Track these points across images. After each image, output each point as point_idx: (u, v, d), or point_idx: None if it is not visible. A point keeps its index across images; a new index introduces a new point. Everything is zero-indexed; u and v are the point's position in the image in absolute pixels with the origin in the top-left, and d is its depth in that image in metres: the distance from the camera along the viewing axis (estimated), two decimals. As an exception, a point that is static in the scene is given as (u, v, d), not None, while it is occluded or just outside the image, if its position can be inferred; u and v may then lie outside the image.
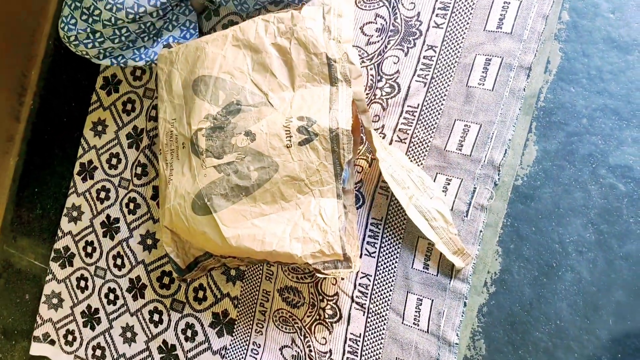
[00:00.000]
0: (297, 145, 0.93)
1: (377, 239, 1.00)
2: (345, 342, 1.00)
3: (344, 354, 1.00)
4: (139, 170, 1.26)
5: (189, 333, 1.16)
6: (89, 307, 1.29)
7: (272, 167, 0.95)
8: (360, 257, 1.00)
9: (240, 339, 1.10)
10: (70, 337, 1.31)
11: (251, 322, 1.09)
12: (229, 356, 1.11)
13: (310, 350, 1.02)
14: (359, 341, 0.99)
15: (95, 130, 1.33)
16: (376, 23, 1.03)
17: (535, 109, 0.90)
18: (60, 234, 1.35)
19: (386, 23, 1.02)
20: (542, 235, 0.87)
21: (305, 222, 0.95)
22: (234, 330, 1.11)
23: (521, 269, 0.88)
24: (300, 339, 1.04)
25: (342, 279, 1.01)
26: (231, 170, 0.96)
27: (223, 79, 1.00)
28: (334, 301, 1.01)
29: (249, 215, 0.97)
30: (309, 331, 1.03)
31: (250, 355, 1.08)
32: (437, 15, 0.98)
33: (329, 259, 0.93)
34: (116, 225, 1.27)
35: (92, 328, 1.28)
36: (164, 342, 1.18)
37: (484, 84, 0.93)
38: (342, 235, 0.93)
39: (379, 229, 1.00)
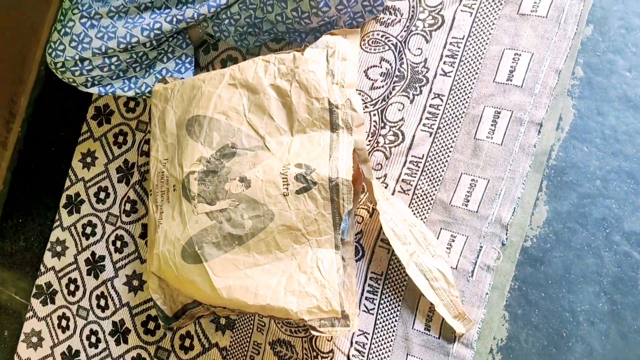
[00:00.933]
0: (295, 193, 0.88)
1: (377, 295, 0.94)
2: (339, 403, 0.93)
3: (337, 416, 0.93)
4: (128, 206, 1.19)
5: (173, 384, 1.09)
6: (69, 348, 1.22)
7: (268, 215, 0.89)
8: (358, 314, 0.94)
9: (228, 393, 1.03)
10: (48, 380, 1.24)
11: (240, 376, 1.03)
12: (215, 411, 1.04)
13: (302, 410, 0.96)
14: (354, 403, 0.92)
15: (84, 161, 1.27)
16: (381, 67, 0.98)
17: (546, 167, 0.85)
18: (43, 269, 1.28)
19: (392, 68, 0.97)
20: (552, 301, 0.82)
21: (301, 274, 0.89)
22: (222, 383, 1.04)
23: (529, 337, 0.83)
24: (292, 397, 0.97)
25: (352, 342, 0.94)
26: (224, 218, 0.90)
27: (218, 120, 0.95)
28: (329, 358, 0.95)
29: (242, 265, 0.91)
30: (300, 389, 0.97)
31: (238, 412, 1.02)
32: (444, 62, 0.93)
33: (326, 316, 0.87)
34: (101, 263, 1.20)
35: (72, 371, 1.21)
36: (147, 391, 1.11)
37: (492, 138, 0.88)
38: (340, 291, 0.87)
39: (379, 285, 0.94)
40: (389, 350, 0.91)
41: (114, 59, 1.06)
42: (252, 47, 1.10)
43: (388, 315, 0.92)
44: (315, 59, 0.91)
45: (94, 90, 1.11)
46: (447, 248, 0.89)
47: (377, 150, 0.97)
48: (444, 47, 0.94)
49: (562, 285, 0.82)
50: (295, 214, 0.88)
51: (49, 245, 1.28)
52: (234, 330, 1.05)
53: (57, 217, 1.28)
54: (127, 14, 1.04)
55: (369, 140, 0.97)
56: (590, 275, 0.80)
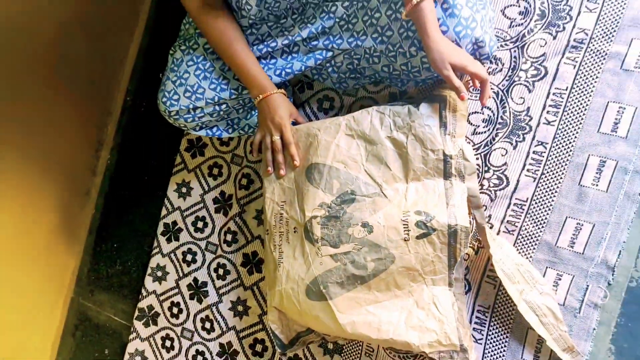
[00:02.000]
0: (415, 238, 0.95)
1: (484, 327, 1.01)
2: None
3: None
4: (228, 237, 1.26)
5: (284, 403, 1.17)
6: (175, 367, 1.30)
7: (389, 258, 0.96)
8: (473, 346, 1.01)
9: (339, 413, 1.12)
10: (155, 396, 1.32)
11: (350, 397, 1.11)
12: None
13: None
14: None
15: (180, 191, 1.33)
16: (483, 114, 1.04)
17: (650, 214, 0.92)
18: (144, 292, 1.35)
19: (494, 115, 1.03)
20: (657, 337, 0.90)
21: (419, 310, 0.96)
22: (332, 403, 1.13)
23: (635, 369, 0.91)
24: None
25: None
26: (348, 260, 0.97)
27: (337, 168, 1.01)
28: (439, 383, 1.03)
29: (363, 302, 0.98)
30: (412, 411, 1.05)
31: None
32: (548, 112, 0.99)
33: (444, 349, 0.95)
34: (204, 289, 1.28)
35: (179, 388, 1.29)
36: (258, 409, 1.20)
37: (597, 185, 0.95)
38: (458, 326, 0.94)
39: (486, 317, 1.01)
40: (499, 378, 0.99)
41: (223, 106, 1.12)
42: (350, 89, 1.15)
43: (496, 345, 1.00)
44: (430, 113, 0.97)
45: (202, 133, 1.17)
46: (554, 286, 0.96)
47: (482, 192, 1.03)
48: (547, 97, 1.00)
49: (667, 323, 0.89)
50: (415, 257, 0.95)
51: (149, 271, 1.35)
52: (342, 355, 1.12)
53: (155, 244, 1.35)
54: None
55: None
56: (695, 315, 0.88)
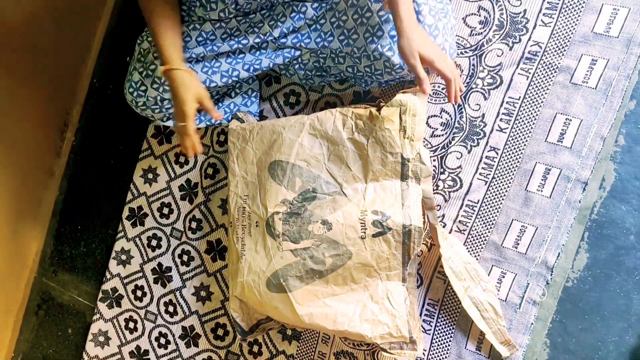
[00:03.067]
0: (371, 237, 0.99)
1: (433, 318, 1.07)
2: (398, 407, 1.08)
3: (396, 417, 1.08)
4: (193, 224, 1.28)
5: (243, 384, 1.22)
6: (138, 348, 1.33)
7: (346, 255, 1.00)
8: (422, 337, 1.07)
9: (295, 395, 1.17)
10: (117, 375, 1.35)
11: (306, 380, 1.16)
12: (284, 410, 1.18)
13: (364, 412, 1.10)
14: (411, 408, 1.07)
15: (146, 177, 1.34)
16: (441, 117, 1.08)
17: (588, 220, 0.98)
18: (108, 275, 1.36)
19: (451, 119, 1.07)
20: (587, 332, 0.97)
21: (374, 304, 1.02)
22: (289, 385, 1.18)
23: (566, 360, 0.98)
24: (354, 400, 1.12)
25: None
26: (307, 255, 1.01)
27: (300, 166, 1.04)
28: (389, 369, 1.09)
29: (321, 295, 1.03)
30: (363, 394, 1.11)
31: (305, 411, 1.16)
32: (501, 119, 1.04)
33: (395, 340, 1.01)
34: (168, 274, 1.30)
35: (141, 368, 1.33)
36: (217, 389, 1.24)
37: (542, 191, 1.01)
38: (409, 320, 1.00)
39: (435, 310, 1.07)
40: (444, 365, 1.06)
41: None
42: (316, 86, 1.17)
43: (443, 335, 1.06)
44: (391, 117, 1.00)
45: (170, 123, 1.17)
46: (498, 283, 1.03)
47: (437, 192, 1.08)
48: (501, 105, 1.04)
49: (597, 320, 0.97)
50: (371, 254, 0.99)
51: (113, 254, 1.36)
52: (300, 341, 1.17)
53: (120, 227, 1.36)
54: (204, 59, 1.09)
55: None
56: (621, 313, 0.95)
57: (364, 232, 0.99)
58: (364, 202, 1.00)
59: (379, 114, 1.00)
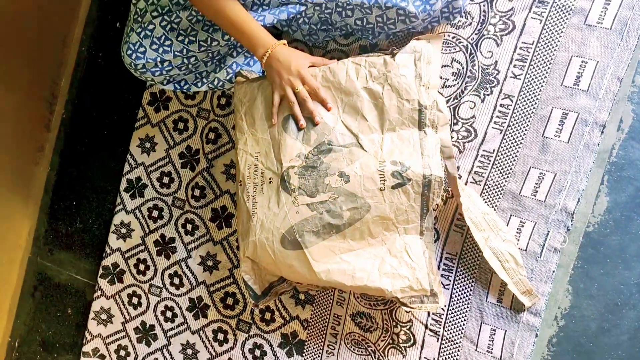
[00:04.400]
0: (390, 188, 0.95)
1: (452, 273, 1.04)
2: (419, 365, 1.05)
3: (417, 375, 1.05)
4: (196, 192, 1.22)
5: (257, 352, 1.17)
6: (143, 323, 1.27)
7: (364, 207, 0.96)
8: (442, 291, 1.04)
9: (311, 359, 1.13)
10: (122, 352, 1.29)
11: (322, 344, 1.12)
12: (301, 375, 1.13)
13: (385, 372, 1.07)
14: (433, 364, 1.04)
15: (143, 147, 1.27)
16: (452, 67, 1.04)
17: (607, 163, 0.96)
18: (108, 250, 1.29)
19: (463, 68, 1.03)
20: (609, 276, 0.95)
21: (392, 258, 0.98)
22: (304, 350, 1.13)
23: (589, 306, 0.96)
24: (374, 361, 1.08)
25: (429, 313, 1.04)
26: (324, 209, 0.96)
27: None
28: (408, 327, 1.06)
29: (338, 250, 0.98)
30: (382, 354, 1.07)
31: (322, 375, 1.12)
32: (514, 66, 1.00)
33: (416, 294, 0.97)
34: (172, 245, 1.24)
35: (148, 344, 1.26)
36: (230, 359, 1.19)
37: (559, 136, 0.98)
38: (429, 272, 0.96)
39: (454, 264, 1.04)
40: (465, 320, 1.03)
41: (192, 59, 1.06)
42: (321, 42, 1.12)
43: (463, 290, 1.03)
44: (406, 63, 0.96)
45: (170, 87, 1.11)
46: (517, 232, 1.00)
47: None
48: (514, 51, 1.01)
49: (618, 263, 0.95)
50: (389, 206, 0.95)
51: (112, 228, 1.29)
52: (313, 305, 1.13)
53: (118, 200, 1.29)
54: (204, 17, 1.03)
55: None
56: (643, 255, 0.93)
57: (383, 184, 0.95)
58: (381, 153, 0.96)
59: (394, 60, 0.96)
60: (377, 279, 0.97)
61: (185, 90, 1.13)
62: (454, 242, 1.04)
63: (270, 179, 1.01)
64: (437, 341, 1.04)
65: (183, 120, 1.24)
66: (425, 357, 1.05)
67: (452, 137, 1.04)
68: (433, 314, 1.05)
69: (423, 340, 1.05)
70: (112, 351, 1.29)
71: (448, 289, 1.04)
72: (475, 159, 1.03)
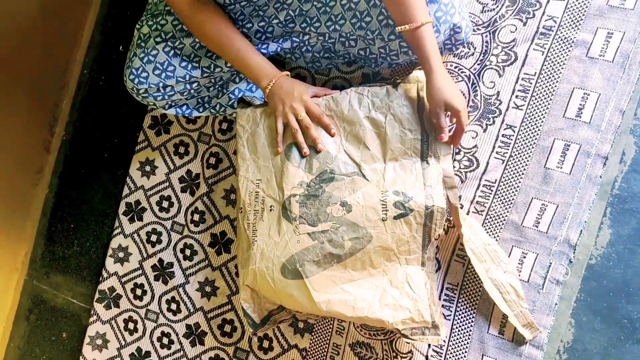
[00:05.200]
0: (392, 218, 0.93)
1: (453, 303, 1.02)
2: (419, 397, 1.02)
3: (418, 408, 1.02)
4: (196, 217, 1.20)
5: (254, 381, 1.14)
6: (139, 349, 1.23)
7: (366, 237, 0.94)
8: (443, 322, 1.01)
9: (310, 390, 1.10)
10: (117, 379, 1.25)
11: (321, 374, 1.09)
12: (299, 406, 1.10)
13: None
14: (434, 397, 1.01)
15: (143, 170, 1.25)
16: (454, 97, 1.03)
17: (610, 196, 0.94)
18: (105, 274, 1.27)
19: (465, 98, 1.02)
20: (613, 310, 0.93)
21: (393, 289, 0.95)
22: (303, 380, 1.10)
23: (592, 340, 0.94)
24: (373, 392, 1.05)
25: (429, 344, 1.02)
26: (325, 239, 0.94)
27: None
28: (408, 358, 1.03)
29: (339, 280, 0.96)
30: (382, 385, 1.04)
31: (321, 406, 1.09)
32: (516, 96, 1.00)
33: (417, 326, 0.94)
34: (170, 270, 1.21)
35: (143, 371, 1.23)
36: (226, 388, 1.16)
37: (561, 168, 0.96)
38: (431, 304, 0.94)
39: (455, 294, 1.02)
40: (465, 351, 1.00)
41: (194, 85, 1.05)
42: (323, 69, 1.11)
43: (464, 320, 1.01)
44: (408, 93, 0.95)
45: (171, 111, 1.09)
46: (519, 264, 0.98)
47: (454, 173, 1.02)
48: (516, 82, 1.00)
49: (622, 297, 0.93)
50: (391, 237, 0.93)
51: (110, 252, 1.26)
52: (312, 334, 1.10)
53: (116, 224, 1.27)
54: None
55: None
56: (647, 289, 0.92)
57: (385, 214, 0.93)
58: (383, 183, 0.94)
59: (396, 90, 0.95)
60: (378, 310, 0.94)
61: (186, 115, 1.12)
62: (455, 273, 1.02)
63: (271, 206, 1.00)
64: (438, 373, 1.02)
65: (184, 145, 1.22)
66: (425, 389, 1.02)
67: (454, 167, 1.03)
68: (434, 345, 1.02)
69: (424, 371, 1.02)
70: (107, 377, 1.26)
71: (449, 320, 1.02)
72: (477, 188, 1.01)
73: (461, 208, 1.02)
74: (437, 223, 0.93)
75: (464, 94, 1.02)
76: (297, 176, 0.97)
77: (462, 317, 1.01)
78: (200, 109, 1.13)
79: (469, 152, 1.02)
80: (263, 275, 0.98)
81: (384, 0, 0.88)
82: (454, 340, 1.01)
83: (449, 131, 0.95)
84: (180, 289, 1.20)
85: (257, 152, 1.02)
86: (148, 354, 1.22)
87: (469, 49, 1.03)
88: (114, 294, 1.26)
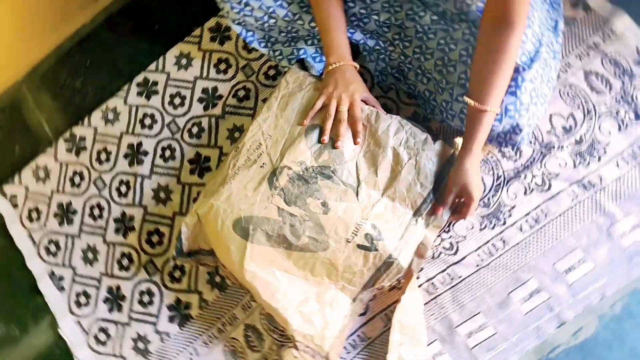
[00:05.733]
0: (356, 245, 0.92)
1: (355, 350, 1.01)
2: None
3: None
4: (194, 129, 1.18)
5: (145, 298, 1.12)
6: (69, 203, 1.21)
7: (323, 245, 0.92)
8: None
9: (186, 338, 1.08)
10: (34, 215, 1.23)
11: (205, 332, 1.07)
12: (167, 345, 1.08)
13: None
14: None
15: (179, 62, 1.23)
16: (476, 184, 1.02)
17: (544, 357, 0.94)
18: (86, 122, 1.24)
19: (483, 192, 1.01)
20: None
21: (316, 303, 0.94)
22: (185, 326, 1.09)
23: None
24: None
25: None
26: (289, 222, 0.93)
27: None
28: (284, 369, 1.02)
29: (276, 264, 0.94)
30: (248, 376, 1.03)
31: (185, 357, 1.07)
32: (526, 221, 0.99)
33: (313, 347, 0.93)
34: (142, 157, 1.19)
35: (60, 224, 1.21)
36: (118, 287, 1.14)
37: (521, 305, 0.96)
38: (337, 337, 0.93)
39: (362, 344, 1.01)
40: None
41: (272, 21, 1.03)
42: (385, 85, 1.10)
43: (353, 371, 1.00)
44: (442, 154, 0.94)
45: (237, 28, 1.08)
46: (432, 357, 0.97)
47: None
48: (535, 209, 0.99)
49: None
50: (344, 259, 0.92)
51: (103, 107, 1.24)
52: (222, 293, 1.09)
53: (125, 88, 1.24)
54: None
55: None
56: None
57: (353, 237, 0.91)
58: (369, 211, 0.93)
59: (434, 143, 0.94)
60: (291, 311, 0.93)
61: (247, 41, 1.10)
62: (373, 327, 1.01)
63: (263, 164, 0.98)
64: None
65: (227, 64, 1.20)
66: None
67: (435, 240, 1.01)
68: (314, 374, 1.01)
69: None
70: (26, 208, 1.24)
71: (341, 362, 1.01)
72: (441, 272, 1.00)
73: (417, 278, 1.01)
74: (389, 276, 0.92)
75: (485, 187, 1.02)
76: (303, 155, 0.95)
77: (353, 367, 1.00)
78: (262, 45, 1.11)
79: (456, 239, 1.01)
80: (217, 215, 0.97)
81: (472, 67, 0.87)
82: (334, 381, 1.00)
83: (452, 209, 0.95)
84: (139, 179, 1.18)
85: (284, 112, 1.00)
86: (75, 212, 1.20)
87: (516, 154, 1.02)
88: (82, 144, 1.24)
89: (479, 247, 1.00)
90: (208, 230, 0.99)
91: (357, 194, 0.94)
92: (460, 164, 0.88)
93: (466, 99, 0.85)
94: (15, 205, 1.24)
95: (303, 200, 0.93)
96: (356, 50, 1.10)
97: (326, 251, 0.92)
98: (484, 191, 1.01)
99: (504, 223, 1.00)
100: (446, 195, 0.91)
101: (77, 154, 1.23)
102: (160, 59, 1.24)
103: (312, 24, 1.03)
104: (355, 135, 0.95)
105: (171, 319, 1.09)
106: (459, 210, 0.94)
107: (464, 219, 0.93)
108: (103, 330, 1.13)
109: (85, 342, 1.13)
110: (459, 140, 0.95)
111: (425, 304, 1.00)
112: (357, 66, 0.99)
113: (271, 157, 0.98)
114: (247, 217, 0.94)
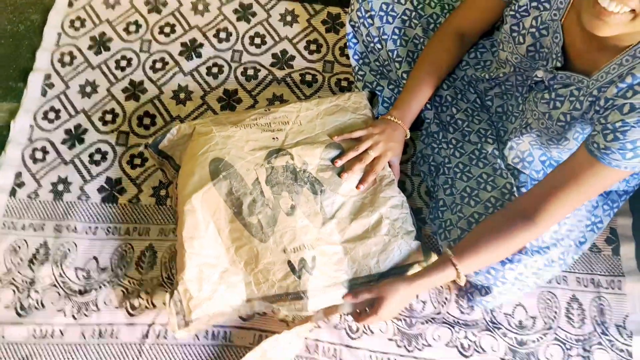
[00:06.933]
0: (287, 260, 0.89)
1: (211, 341, 0.96)
2: None
3: None
4: (250, 71, 1.18)
5: (96, 157, 1.10)
6: (109, 39, 1.21)
7: (264, 237, 0.89)
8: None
9: (97, 213, 1.05)
10: (77, 24, 1.22)
11: (115, 222, 1.04)
12: (79, 205, 1.05)
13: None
14: None
15: (284, 18, 1.24)
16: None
17: None
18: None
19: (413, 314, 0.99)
20: None
21: (218, 275, 0.90)
22: (105, 204, 1.06)
23: None
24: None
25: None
26: (253, 197, 0.91)
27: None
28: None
29: (215, 217, 0.91)
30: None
31: (83, 228, 1.04)
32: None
33: (185, 305, 0.87)
34: (195, 55, 1.19)
35: (89, 48, 1.20)
36: (85, 130, 1.12)
37: None
38: (210, 316, 0.88)
39: (221, 341, 0.96)
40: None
41: (378, 46, 1.07)
42: (417, 168, 1.08)
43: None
44: (412, 255, 0.93)
45: (349, 29, 1.10)
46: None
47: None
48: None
49: None
50: (268, 262, 0.89)
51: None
52: (155, 206, 1.06)
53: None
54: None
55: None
56: None
57: (291, 252, 0.89)
58: (321, 245, 0.90)
59: (413, 241, 0.92)
60: (194, 263, 0.88)
61: (348, 45, 1.11)
62: (241, 336, 0.96)
63: (276, 137, 0.97)
64: None
65: (318, 50, 1.20)
66: None
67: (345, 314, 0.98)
68: None
69: None
70: (75, 15, 1.23)
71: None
72: (331, 344, 0.96)
73: (309, 331, 0.96)
74: (291, 307, 0.88)
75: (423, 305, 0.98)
76: (312, 158, 0.94)
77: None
78: (355, 57, 1.12)
79: (367, 329, 0.97)
80: (208, 141, 0.95)
81: (476, 227, 0.88)
82: None
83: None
84: (176, 69, 1.18)
85: (326, 117, 1.00)
86: (109, 49, 1.19)
87: (467, 308, 0.99)
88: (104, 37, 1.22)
89: (378, 352, 0.96)
90: (190, 148, 0.98)
91: (323, 224, 0.92)
92: (400, 281, 0.84)
93: (442, 244, 0.89)
94: (70, 4, 1.24)
95: (279, 190, 0.91)
96: (418, 124, 1.10)
97: (261, 244, 0.90)
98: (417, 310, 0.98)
99: (412, 351, 0.96)
100: (365, 290, 0.86)
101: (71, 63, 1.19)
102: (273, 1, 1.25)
103: (404, 75, 1.03)
104: (362, 182, 0.94)
105: (100, 190, 1.06)
106: (361, 311, 0.88)
107: (356, 322, 0.89)
108: (44, 151, 1.10)
109: (23, 148, 1.10)
110: (434, 257, 0.93)
111: (297, 356, 0.95)
112: (409, 135, 0.99)
113: (287, 138, 0.97)
114: (228, 163, 0.92)
